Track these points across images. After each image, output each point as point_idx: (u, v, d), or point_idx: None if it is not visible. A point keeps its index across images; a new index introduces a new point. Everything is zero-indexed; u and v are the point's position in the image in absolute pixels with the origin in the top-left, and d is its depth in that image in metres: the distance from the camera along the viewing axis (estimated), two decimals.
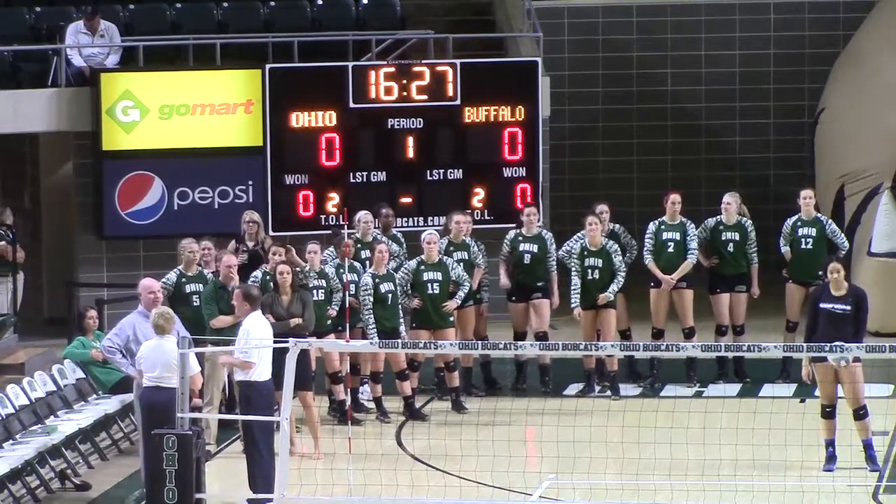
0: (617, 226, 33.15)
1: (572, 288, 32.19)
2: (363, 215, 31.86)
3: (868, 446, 25.92)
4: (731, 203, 32.39)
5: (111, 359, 26.01)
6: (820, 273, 28.88)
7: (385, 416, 30.00)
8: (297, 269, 29.82)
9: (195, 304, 28.52)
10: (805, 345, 26.58)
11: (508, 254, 32.46)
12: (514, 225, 33.68)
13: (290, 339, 25.05)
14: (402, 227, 33.59)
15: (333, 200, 35.87)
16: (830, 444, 25.97)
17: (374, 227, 32.01)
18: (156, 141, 35.58)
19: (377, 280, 29.80)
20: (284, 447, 24.29)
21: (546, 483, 26.08)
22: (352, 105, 35.74)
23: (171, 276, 28.82)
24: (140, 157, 35.30)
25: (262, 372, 24.91)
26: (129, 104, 34.49)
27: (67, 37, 35.89)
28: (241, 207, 34.32)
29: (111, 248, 35.49)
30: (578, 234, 32.28)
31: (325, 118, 36.22)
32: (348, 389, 29.70)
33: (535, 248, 32.36)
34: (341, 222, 32.37)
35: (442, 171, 35.87)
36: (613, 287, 31.89)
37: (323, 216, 35.82)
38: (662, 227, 32.69)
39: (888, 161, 32.92)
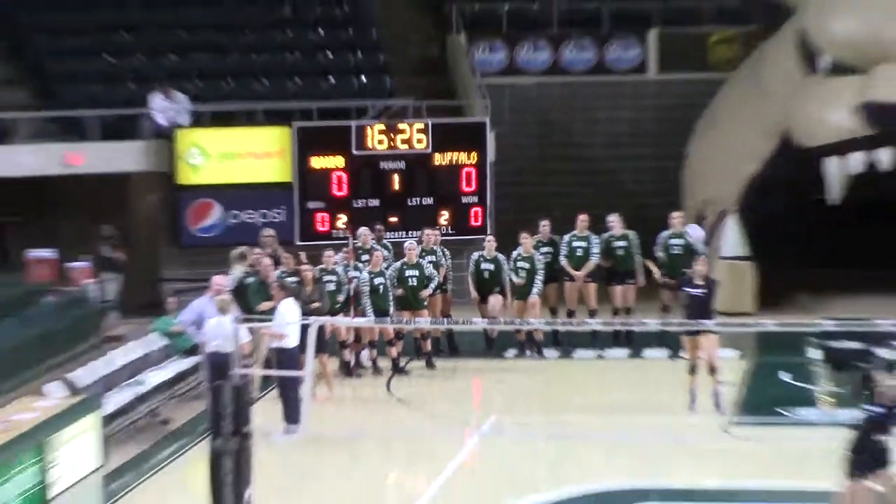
0: (556, 236, 33.45)
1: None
2: (363, 230, 32.44)
3: (717, 394, 26.54)
4: (615, 221, 33.02)
5: (188, 330, 26.98)
6: (685, 270, 29.36)
7: (378, 371, 30.43)
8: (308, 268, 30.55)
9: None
10: (675, 321, 28.02)
11: (473, 271, 32.80)
12: (471, 237, 35.38)
13: (311, 318, 25.97)
14: (390, 238, 33.91)
15: (342, 220, 35.65)
16: (693, 391, 26.46)
17: (371, 238, 32.42)
18: (215, 178, 35.65)
19: (372, 276, 30.26)
20: (308, 394, 25.59)
21: (492, 418, 26.90)
22: (354, 152, 35.80)
23: (238, 273, 29.24)
24: (204, 190, 35.47)
25: (291, 341, 25.70)
26: (196, 152, 34.82)
27: (151, 104, 35.79)
28: (277, 226, 34.82)
29: (185, 254, 35.63)
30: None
31: (336, 162, 36.20)
32: (353, 353, 30.34)
33: (492, 266, 32.52)
34: (347, 235, 33.01)
35: (418, 199, 36.01)
36: (534, 289, 32.30)
37: (335, 231, 35.65)
38: (574, 238, 33.11)
39: (733, 193, 33.66)
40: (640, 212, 33.91)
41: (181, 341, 27.84)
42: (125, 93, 37.09)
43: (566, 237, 33.11)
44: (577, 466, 23.78)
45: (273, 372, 26.25)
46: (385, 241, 33.26)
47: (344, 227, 34.80)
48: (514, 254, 32.51)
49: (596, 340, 32.78)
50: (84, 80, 37.88)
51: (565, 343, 32.67)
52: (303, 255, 31.24)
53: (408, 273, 31.15)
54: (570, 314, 33.11)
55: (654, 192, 35.05)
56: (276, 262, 30.10)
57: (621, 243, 33.09)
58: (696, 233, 33.53)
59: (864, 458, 18.45)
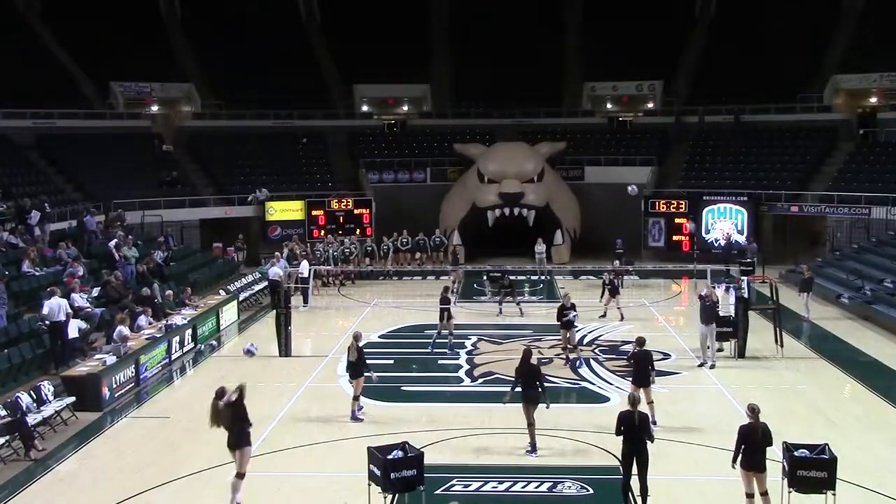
0: (401, 238, 31.26)
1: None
2: (329, 238, 31.44)
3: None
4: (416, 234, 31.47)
5: (266, 270, 25.96)
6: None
7: (335, 285, 28.72)
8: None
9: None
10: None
11: (363, 248, 30.89)
12: (365, 238, 32.64)
13: (311, 265, 25.67)
14: (339, 238, 31.91)
15: (323, 232, 33.12)
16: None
17: (335, 241, 30.98)
18: (278, 217, 33.30)
19: (335, 251, 29.31)
20: (311, 291, 25.25)
21: (375, 300, 26.29)
22: (327, 209, 33.56)
23: (286, 251, 27.80)
24: (273, 222, 33.46)
25: (306, 273, 25.65)
26: (272, 209, 33.74)
27: (258, 193, 33.21)
28: (298, 233, 32.84)
29: (267, 245, 32.34)
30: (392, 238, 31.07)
31: (320, 212, 33.59)
32: (327, 278, 28.93)
33: (372, 247, 31.06)
34: (324, 238, 32.51)
35: (350, 225, 33.50)
36: (389, 254, 30.70)
37: (320, 236, 33.00)
38: (401, 237, 31.20)
39: (456, 222, 32.82)
40: (429, 229, 32.88)
41: (263, 274, 27.57)
42: (249, 188, 34.01)
43: (400, 238, 31.19)
44: (402, 317, 23.32)
45: (297, 285, 25.31)
46: (337, 240, 30.84)
47: (323, 234, 32.91)
48: (384, 243, 30.97)
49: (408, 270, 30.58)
50: (230, 184, 35.19)
51: (402, 275, 30.51)
52: (304, 244, 30.17)
53: (344, 250, 30.11)
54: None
55: (433, 222, 34.10)
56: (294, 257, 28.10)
57: (424, 238, 31.30)
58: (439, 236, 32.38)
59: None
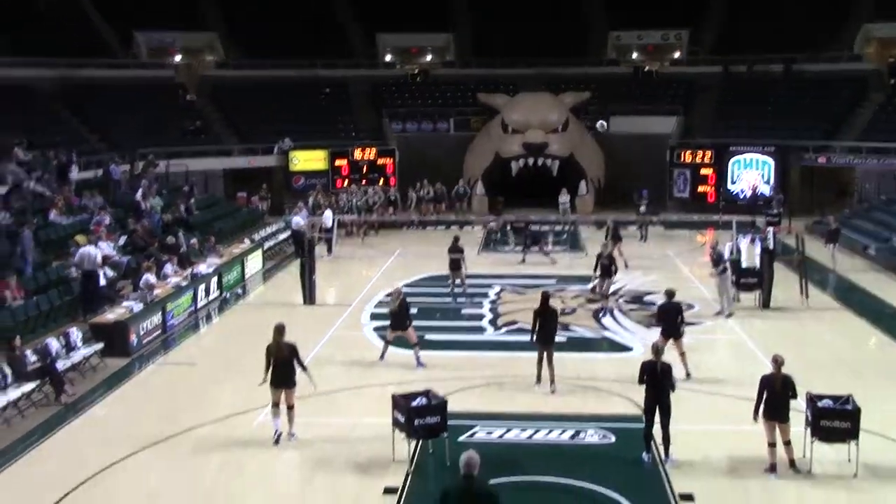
0: (426, 187, 32.02)
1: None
2: (353, 188, 31.87)
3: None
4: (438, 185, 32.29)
5: (292, 220, 26.09)
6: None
7: (359, 235, 28.51)
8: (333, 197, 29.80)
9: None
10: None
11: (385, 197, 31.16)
12: (389, 188, 32.88)
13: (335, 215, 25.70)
14: (364, 187, 32.35)
15: (346, 182, 33.32)
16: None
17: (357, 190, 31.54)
18: (301, 167, 33.46)
19: (357, 201, 29.63)
20: (335, 241, 25.26)
21: (398, 250, 26.34)
22: (350, 159, 33.63)
23: (311, 201, 28.38)
24: (298, 172, 33.53)
25: (329, 223, 25.71)
26: (295, 159, 33.87)
27: (281, 142, 33.74)
28: (322, 183, 32.64)
29: (292, 195, 31.98)
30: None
31: (343, 162, 33.78)
32: (352, 227, 28.97)
33: (395, 195, 31.78)
34: (347, 188, 32.76)
35: (373, 174, 33.62)
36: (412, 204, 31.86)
37: (343, 186, 33.15)
38: (425, 186, 32.09)
39: (479, 172, 33.04)
40: (452, 179, 32.93)
41: (287, 222, 27.61)
42: (272, 138, 34.47)
43: (423, 188, 31.83)
44: (426, 266, 23.32)
45: (320, 235, 25.32)
46: (360, 189, 31.31)
47: (346, 184, 33.18)
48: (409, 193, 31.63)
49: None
50: (254, 134, 35.34)
51: (426, 224, 30.44)
52: (328, 194, 30.36)
53: (368, 199, 30.49)
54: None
55: (457, 172, 33.95)
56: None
57: (442, 188, 31.89)
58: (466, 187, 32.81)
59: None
